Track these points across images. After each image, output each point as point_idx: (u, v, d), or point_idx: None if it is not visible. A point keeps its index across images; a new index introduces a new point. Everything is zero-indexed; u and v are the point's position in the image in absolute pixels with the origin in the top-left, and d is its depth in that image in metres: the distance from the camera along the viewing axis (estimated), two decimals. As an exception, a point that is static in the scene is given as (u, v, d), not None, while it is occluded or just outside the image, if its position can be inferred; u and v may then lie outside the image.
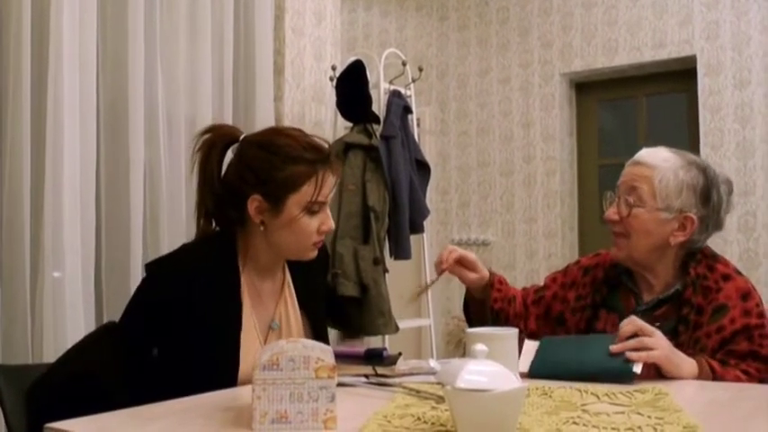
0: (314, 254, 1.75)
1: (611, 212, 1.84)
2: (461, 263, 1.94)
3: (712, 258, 1.83)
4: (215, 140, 1.74)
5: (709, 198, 1.79)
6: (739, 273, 1.81)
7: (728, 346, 1.69)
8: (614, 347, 1.57)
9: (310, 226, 1.68)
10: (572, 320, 1.93)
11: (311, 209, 1.67)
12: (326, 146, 1.72)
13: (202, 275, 1.65)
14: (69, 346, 2.42)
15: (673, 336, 1.70)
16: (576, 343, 1.74)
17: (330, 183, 1.69)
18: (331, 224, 1.72)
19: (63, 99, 2.50)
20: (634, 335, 1.58)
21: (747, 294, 1.75)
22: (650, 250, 1.81)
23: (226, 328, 1.66)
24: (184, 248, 1.78)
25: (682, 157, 1.81)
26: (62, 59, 2.50)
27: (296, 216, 1.66)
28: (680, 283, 1.80)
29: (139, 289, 1.72)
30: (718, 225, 1.83)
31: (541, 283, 2.07)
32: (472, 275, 1.96)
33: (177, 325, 1.62)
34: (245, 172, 1.68)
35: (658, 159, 1.80)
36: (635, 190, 1.80)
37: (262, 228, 1.68)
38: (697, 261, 1.81)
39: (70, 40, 2.54)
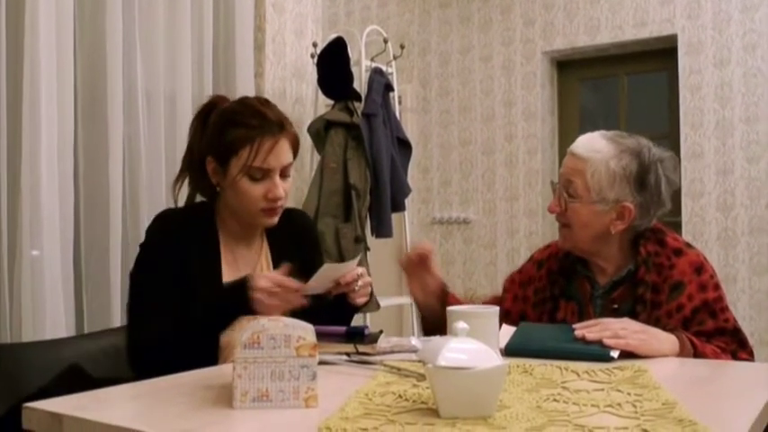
0: (270, 221, 1.77)
1: (553, 205, 1.86)
2: (425, 263, 1.90)
3: (661, 233, 1.84)
4: (201, 108, 1.83)
5: (645, 183, 1.77)
6: (690, 246, 1.83)
7: (695, 327, 1.70)
8: (591, 335, 1.57)
9: (252, 190, 1.71)
10: (533, 316, 1.92)
11: (251, 174, 1.70)
12: (277, 116, 1.73)
13: (186, 229, 1.75)
14: (48, 324, 2.42)
15: (632, 317, 1.70)
16: (554, 328, 1.75)
17: (266, 150, 1.68)
18: (278, 192, 1.72)
19: (40, 75, 2.47)
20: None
21: (701, 267, 1.76)
22: (592, 240, 1.82)
23: (206, 282, 1.72)
24: (170, 209, 1.86)
25: (615, 145, 1.78)
26: (38, 35, 2.47)
27: (236, 179, 1.70)
28: (632, 263, 1.82)
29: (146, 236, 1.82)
30: (660, 205, 1.82)
31: (500, 290, 2.05)
32: (428, 281, 1.91)
33: (167, 269, 1.71)
34: (205, 135, 1.76)
35: (591, 151, 1.78)
36: (571, 183, 1.80)
37: (218, 189, 1.77)
38: (646, 239, 1.82)
39: (47, 15, 2.50)
